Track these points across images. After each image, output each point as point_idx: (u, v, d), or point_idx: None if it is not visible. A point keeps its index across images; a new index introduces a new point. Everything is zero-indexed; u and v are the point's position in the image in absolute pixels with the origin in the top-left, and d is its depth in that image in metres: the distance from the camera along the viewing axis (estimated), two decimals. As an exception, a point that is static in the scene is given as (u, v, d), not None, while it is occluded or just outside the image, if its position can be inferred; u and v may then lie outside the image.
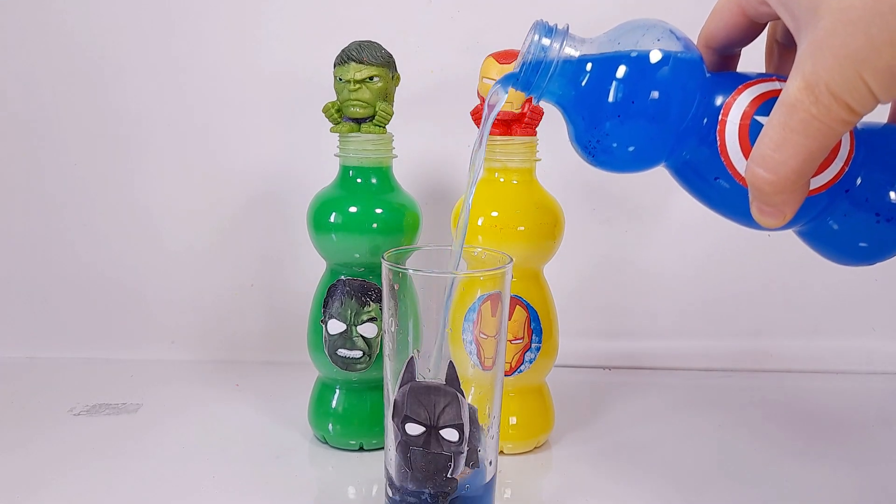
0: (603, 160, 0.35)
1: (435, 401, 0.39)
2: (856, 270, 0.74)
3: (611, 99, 0.34)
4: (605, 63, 0.34)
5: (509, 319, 0.50)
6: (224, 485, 0.49)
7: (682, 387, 0.69)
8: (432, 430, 0.39)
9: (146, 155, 0.71)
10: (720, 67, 0.37)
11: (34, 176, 0.72)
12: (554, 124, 0.55)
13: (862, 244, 0.34)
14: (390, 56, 0.51)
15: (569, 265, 0.64)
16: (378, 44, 0.51)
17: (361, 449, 0.54)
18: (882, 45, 0.25)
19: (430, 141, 0.69)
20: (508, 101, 0.50)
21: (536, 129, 0.52)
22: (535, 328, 0.52)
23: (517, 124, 0.51)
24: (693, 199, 0.77)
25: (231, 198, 0.72)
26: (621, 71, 0.34)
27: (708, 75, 0.35)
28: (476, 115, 0.52)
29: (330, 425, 0.54)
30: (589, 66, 0.35)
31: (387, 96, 0.52)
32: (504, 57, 0.50)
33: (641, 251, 0.73)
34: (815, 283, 0.73)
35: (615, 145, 0.34)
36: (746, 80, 0.34)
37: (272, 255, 0.73)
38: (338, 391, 0.54)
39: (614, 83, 0.34)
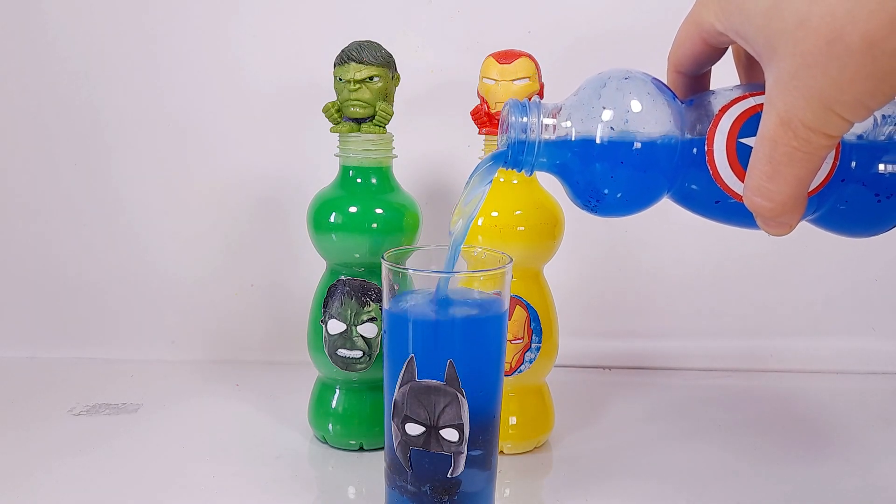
0: (606, 211, 0.37)
1: (435, 401, 0.39)
2: (856, 270, 0.74)
3: (599, 162, 0.35)
4: (585, 129, 0.35)
5: (509, 319, 0.50)
6: (224, 485, 0.49)
7: (682, 387, 0.69)
8: (432, 430, 0.39)
9: (146, 155, 0.71)
10: (694, 86, 0.38)
11: (34, 176, 0.72)
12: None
13: (868, 221, 0.35)
14: (390, 56, 0.51)
15: (569, 265, 0.64)
16: (378, 44, 0.51)
17: (361, 449, 0.54)
18: (844, 83, 0.26)
19: (430, 141, 0.69)
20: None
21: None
22: (535, 328, 0.52)
23: (517, 124, 0.51)
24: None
25: (231, 198, 0.72)
26: (602, 134, 0.35)
27: (684, 106, 0.35)
28: (476, 116, 0.52)
29: (330, 425, 0.54)
30: (572, 135, 0.36)
31: (387, 96, 0.52)
32: (504, 57, 0.50)
33: (641, 251, 0.73)
34: (815, 283, 0.73)
35: (613, 198, 0.36)
36: (721, 103, 0.35)
37: (272, 255, 0.73)
38: (338, 391, 0.54)
39: (599, 147, 0.35)
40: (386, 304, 0.41)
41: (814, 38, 0.27)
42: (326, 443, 0.55)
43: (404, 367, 0.39)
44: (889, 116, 0.33)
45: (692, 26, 0.34)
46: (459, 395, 0.39)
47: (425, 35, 0.69)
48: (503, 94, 0.50)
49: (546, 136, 0.36)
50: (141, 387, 0.66)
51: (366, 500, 0.48)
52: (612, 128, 0.34)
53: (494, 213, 0.51)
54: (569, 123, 0.36)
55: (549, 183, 0.55)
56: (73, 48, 0.70)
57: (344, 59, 0.50)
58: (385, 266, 0.41)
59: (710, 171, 0.34)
